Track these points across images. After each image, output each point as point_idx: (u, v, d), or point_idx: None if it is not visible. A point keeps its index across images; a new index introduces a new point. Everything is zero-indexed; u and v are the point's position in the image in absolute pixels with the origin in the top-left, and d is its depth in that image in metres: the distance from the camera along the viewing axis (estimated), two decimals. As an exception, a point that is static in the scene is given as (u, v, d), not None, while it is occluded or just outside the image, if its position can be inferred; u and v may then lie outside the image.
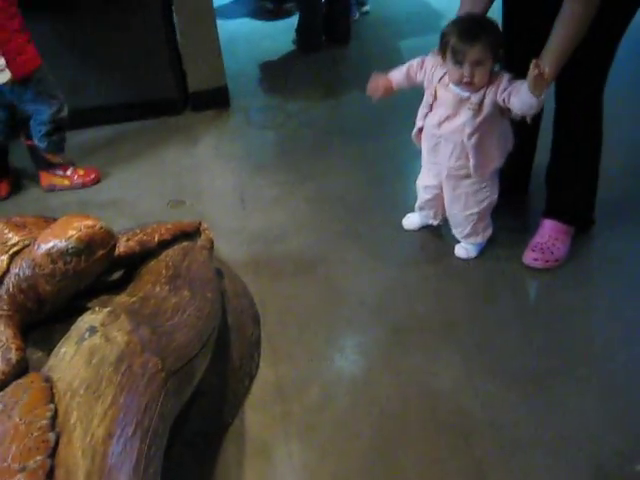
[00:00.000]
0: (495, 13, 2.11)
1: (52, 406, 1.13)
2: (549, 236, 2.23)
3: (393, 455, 1.68)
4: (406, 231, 2.42)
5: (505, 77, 1.93)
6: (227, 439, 1.74)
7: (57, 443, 1.08)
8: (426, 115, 2.11)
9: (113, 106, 3.31)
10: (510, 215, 2.44)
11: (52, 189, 2.88)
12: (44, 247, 1.40)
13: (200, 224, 1.95)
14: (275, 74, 3.90)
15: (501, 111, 1.99)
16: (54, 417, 1.12)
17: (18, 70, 2.48)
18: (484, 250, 2.30)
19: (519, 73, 1.88)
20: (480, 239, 2.26)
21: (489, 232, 2.27)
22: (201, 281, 1.68)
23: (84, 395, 1.17)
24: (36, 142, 2.76)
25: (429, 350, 1.98)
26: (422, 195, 2.32)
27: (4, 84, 2.47)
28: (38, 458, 1.05)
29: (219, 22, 3.32)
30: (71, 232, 1.38)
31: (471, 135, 2.00)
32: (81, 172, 2.91)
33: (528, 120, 1.93)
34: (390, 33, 4.19)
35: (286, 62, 4.03)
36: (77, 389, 1.18)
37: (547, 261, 2.20)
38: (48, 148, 2.78)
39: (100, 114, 3.28)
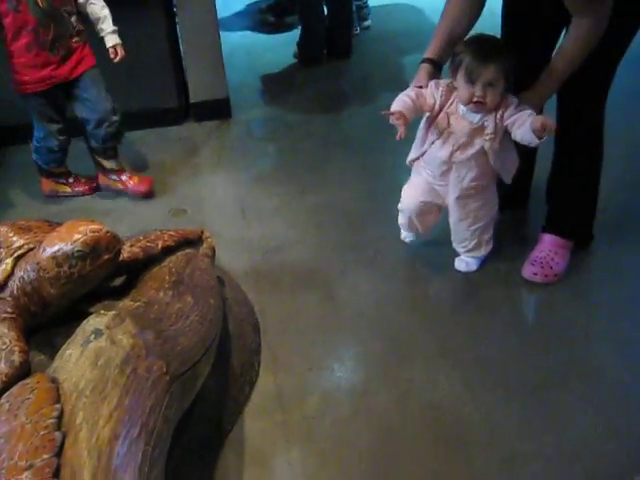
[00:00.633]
0: (495, 15, 2.15)
1: (58, 406, 1.14)
2: (549, 250, 2.24)
3: (392, 465, 1.69)
4: (405, 243, 2.42)
5: (513, 103, 1.94)
6: (226, 446, 1.74)
7: (63, 443, 1.08)
8: (432, 142, 2.06)
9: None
10: (509, 229, 2.46)
11: (54, 195, 2.88)
12: (49, 250, 1.39)
13: (203, 232, 1.96)
14: (276, 87, 3.94)
15: None
16: (60, 417, 1.12)
17: None
18: (483, 264, 2.31)
19: (519, 78, 1.91)
20: (483, 251, 2.27)
21: (491, 245, 2.28)
22: (203, 288, 1.68)
23: (90, 396, 1.18)
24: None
25: (428, 362, 1.98)
26: (412, 209, 2.24)
27: None
28: (45, 456, 1.05)
29: (221, 34, 3.33)
30: (77, 236, 1.38)
31: (495, 159, 2.03)
32: (136, 180, 2.87)
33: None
34: (391, 48, 4.22)
35: (287, 75, 4.07)
36: (83, 390, 1.19)
37: (546, 276, 2.21)
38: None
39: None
